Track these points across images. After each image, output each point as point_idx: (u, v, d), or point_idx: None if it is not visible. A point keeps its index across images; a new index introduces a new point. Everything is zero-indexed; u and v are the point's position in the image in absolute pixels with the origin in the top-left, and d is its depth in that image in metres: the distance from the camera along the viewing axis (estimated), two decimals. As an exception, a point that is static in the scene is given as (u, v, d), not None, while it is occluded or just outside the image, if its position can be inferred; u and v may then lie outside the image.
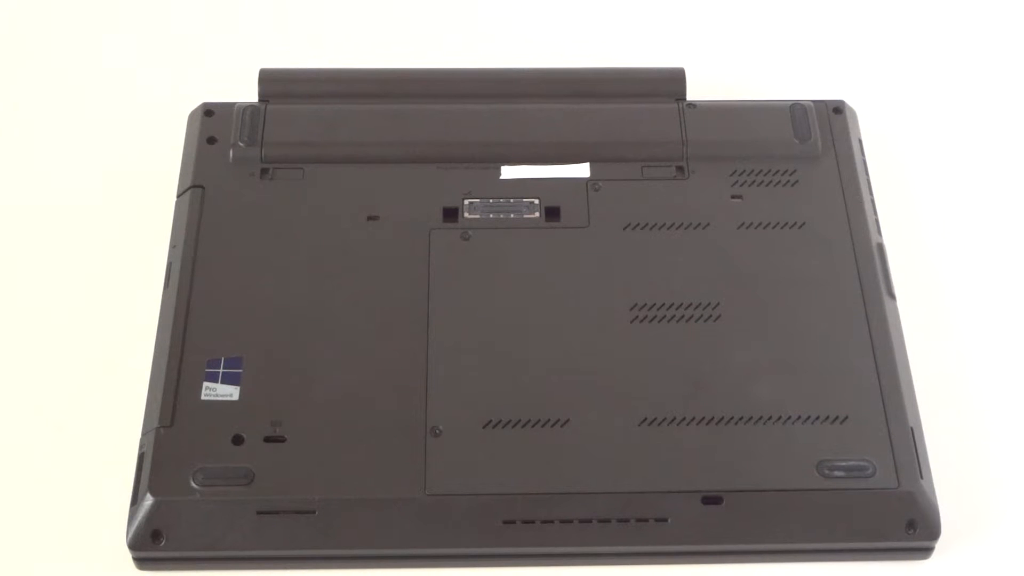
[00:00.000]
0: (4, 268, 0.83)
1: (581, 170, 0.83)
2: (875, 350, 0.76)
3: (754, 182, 0.83)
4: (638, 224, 0.81)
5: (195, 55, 0.95)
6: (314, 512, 0.71)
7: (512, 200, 0.82)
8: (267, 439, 0.72)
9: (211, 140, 0.84)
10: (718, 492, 0.71)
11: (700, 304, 0.78)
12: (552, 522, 0.71)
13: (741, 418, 0.73)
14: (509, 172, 0.83)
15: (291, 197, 0.82)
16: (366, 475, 0.71)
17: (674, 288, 0.78)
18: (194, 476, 0.71)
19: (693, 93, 0.87)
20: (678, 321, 0.77)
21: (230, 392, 0.74)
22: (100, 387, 0.78)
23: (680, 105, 0.86)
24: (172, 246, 0.80)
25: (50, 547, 0.73)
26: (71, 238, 0.85)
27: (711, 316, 0.77)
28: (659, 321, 0.77)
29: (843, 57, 0.96)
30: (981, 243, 0.86)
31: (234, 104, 0.86)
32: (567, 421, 0.73)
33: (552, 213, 0.82)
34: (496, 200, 0.82)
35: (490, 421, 0.73)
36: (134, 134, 0.90)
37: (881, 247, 0.81)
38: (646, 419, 0.73)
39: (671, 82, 0.87)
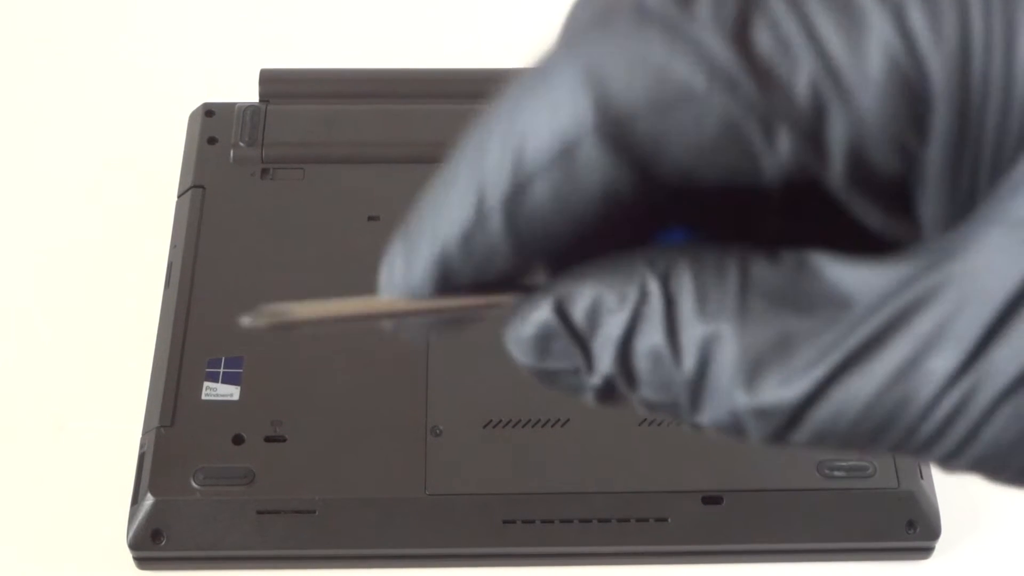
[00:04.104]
0: (4, 268, 0.83)
1: (581, 170, 0.83)
2: (875, 350, 0.76)
3: (754, 182, 0.83)
4: (638, 224, 0.81)
5: (195, 55, 0.95)
6: (314, 512, 0.71)
7: (512, 200, 0.82)
8: (267, 439, 0.72)
9: (212, 140, 0.84)
10: (718, 492, 0.71)
11: (700, 304, 0.77)
12: (552, 522, 0.71)
13: (741, 418, 0.73)
14: (509, 172, 0.83)
15: (291, 197, 0.82)
16: (366, 475, 0.71)
17: (674, 288, 0.78)
18: (194, 476, 0.71)
19: (693, 93, 0.87)
20: (678, 321, 0.77)
21: (231, 392, 0.74)
22: (100, 387, 0.78)
23: (680, 105, 0.86)
24: (173, 246, 0.80)
25: (50, 547, 0.73)
26: (71, 238, 0.85)
27: (711, 316, 0.77)
28: (659, 321, 0.77)
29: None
30: (981, 243, 0.86)
31: (235, 104, 0.86)
32: (567, 421, 0.73)
33: (552, 213, 0.81)
34: (496, 200, 0.82)
35: (490, 421, 0.73)
36: (134, 134, 0.90)
37: (881, 247, 0.81)
38: (646, 419, 0.73)
39: (671, 82, 0.87)
